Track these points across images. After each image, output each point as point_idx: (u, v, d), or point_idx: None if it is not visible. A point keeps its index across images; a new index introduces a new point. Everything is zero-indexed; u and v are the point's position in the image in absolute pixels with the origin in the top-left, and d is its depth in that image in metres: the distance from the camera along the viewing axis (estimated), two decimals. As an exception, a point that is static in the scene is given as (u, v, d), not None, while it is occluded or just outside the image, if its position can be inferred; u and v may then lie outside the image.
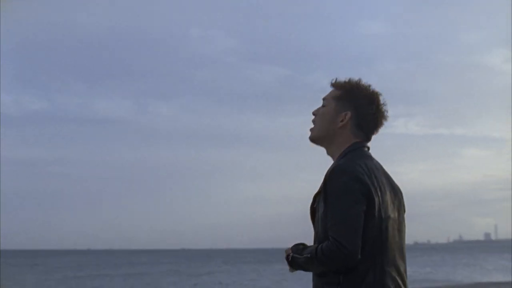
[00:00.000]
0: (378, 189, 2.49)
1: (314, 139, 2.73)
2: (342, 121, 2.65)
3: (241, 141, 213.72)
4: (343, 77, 2.72)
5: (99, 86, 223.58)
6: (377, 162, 2.64)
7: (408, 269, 2.66)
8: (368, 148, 2.67)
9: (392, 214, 2.54)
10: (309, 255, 2.45)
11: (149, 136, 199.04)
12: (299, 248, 2.55)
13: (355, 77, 2.72)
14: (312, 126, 2.74)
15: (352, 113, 2.65)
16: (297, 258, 2.52)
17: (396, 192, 2.62)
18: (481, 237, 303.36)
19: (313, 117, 2.76)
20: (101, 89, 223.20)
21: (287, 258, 2.58)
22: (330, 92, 2.74)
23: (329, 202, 2.43)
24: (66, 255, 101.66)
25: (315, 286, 2.54)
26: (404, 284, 2.54)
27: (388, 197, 2.54)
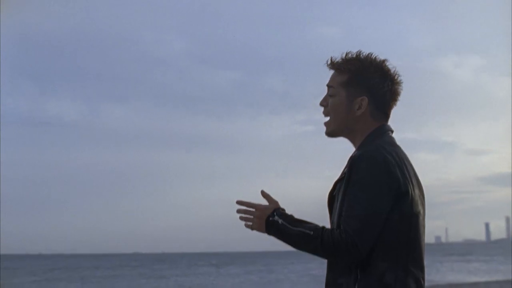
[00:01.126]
0: (409, 182, 2.30)
1: (332, 133, 2.50)
2: (359, 108, 2.41)
3: (194, 144, 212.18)
4: (337, 54, 2.45)
5: (51, 88, 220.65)
6: (403, 150, 2.43)
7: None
8: (392, 132, 2.47)
9: (421, 209, 2.35)
10: (311, 233, 2.25)
11: (101, 139, 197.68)
12: (288, 216, 2.34)
13: (351, 51, 2.46)
14: (326, 119, 2.50)
15: (368, 97, 2.41)
16: (287, 227, 2.30)
17: (420, 185, 2.42)
18: (432, 240, 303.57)
19: (322, 109, 2.52)
20: (53, 91, 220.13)
21: (267, 219, 2.34)
22: (334, 77, 2.48)
23: (350, 191, 2.25)
24: (17, 260, 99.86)
25: (330, 279, 2.36)
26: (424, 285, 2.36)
27: (417, 190, 2.35)
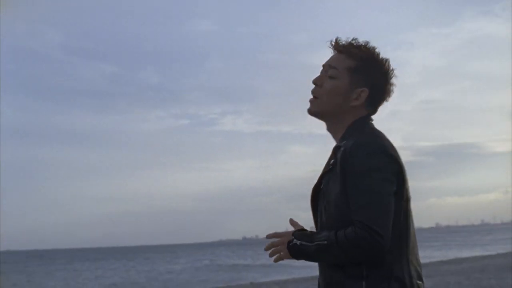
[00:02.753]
0: (404, 167, 2.18)
1: (318, 114, 2.33)
2: (356, 99, 2.27)
3: (72, 139, 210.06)
4: (344, 37, 2.30)
5: None
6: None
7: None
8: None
9: (411, 195, 2.22)
10: (325, 242, 2.09)
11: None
12: (306, 234, 2.19)
13: (357, 38, 2.31)
14: (311, 96, 2.33)
15: (369, 89, 2.28)
16: (306, 246, 2.15)
17: None
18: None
19: (313, 86, 2.34)
20: None
21: (288, 244, 2.20)
22: (341, 60, 2.30)
23: (353, 181, 2.09)
24: None
25: (332, 280, 2.17)
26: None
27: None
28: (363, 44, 2.30)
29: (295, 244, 2.19)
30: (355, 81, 2.28)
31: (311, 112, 2.34)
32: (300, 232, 2.22)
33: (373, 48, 2.30)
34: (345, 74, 2.29)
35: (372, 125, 2.30)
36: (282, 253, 2.24)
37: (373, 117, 2.33)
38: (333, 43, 2.33)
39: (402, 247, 2.14)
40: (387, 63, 2.30)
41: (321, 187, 2.25)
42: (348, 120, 2.29)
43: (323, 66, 2.36)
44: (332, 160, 2.22)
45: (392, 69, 2.30)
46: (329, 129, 2.36)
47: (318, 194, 2.27)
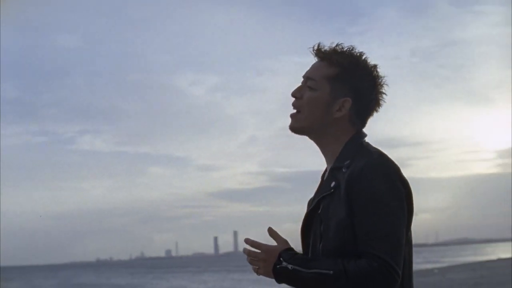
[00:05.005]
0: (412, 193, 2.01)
1: (300, 130, 2.11)
2: (339, 110, 2.05)
3: None
4: (326, 43, 2.07)
5: None
6: None
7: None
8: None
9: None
10: (330, 272, 1.84)
11: None
12: (299, 257, 1.95)
13: (343, 43, 2.09)
14: (293, 111, 2.11)
15: (352, 99, 2.05)
16: (300, 272, 1.89)
17: None
18: (162, 254, 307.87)
19: (292, 99, 2.12)
20: None
21: (274, 267, 1.94)
22: (319, 69, 2.09)
23: (366, 207, 1.88)
24: None
25: None
26: None
27: None
28: (347, 49, 2.08)
29: (283, 268, 1.93)
30: (336, 90, 2.05)
31: (294, 128, 2.11)
32: (290, 252, 1.96)
33: (359, 54, 2.07)
34: (324, 84, 2.07)
35: (368, 144, 2.07)
36: (260, 269, 2.01)
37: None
38: (315, 50, 2.11)
39: (409, 277, 1.99)
40: (375, 70, 2.07)
41: (319, 211, 2.01)
42: (335, 135, 2.07)
43: (303, 77, 2.13)
44: (333, 183, 1.98)
45: (381, 77, 2.08)
46: (319, 147, 2.12)
47: (313, 219, 2.03)
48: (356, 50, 2.09)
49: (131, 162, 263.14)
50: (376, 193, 1.89)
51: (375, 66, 2.09)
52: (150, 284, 49.61)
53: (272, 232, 2.06)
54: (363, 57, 2.08)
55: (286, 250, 1.98)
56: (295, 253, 1.99)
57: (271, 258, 1.97)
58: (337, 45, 2.09)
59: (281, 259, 1.95)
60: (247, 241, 2.03)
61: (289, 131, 2.14)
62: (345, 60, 2.06)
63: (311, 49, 2.12)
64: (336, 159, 2.04)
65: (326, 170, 2.12)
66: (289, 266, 1.93)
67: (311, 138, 2.13)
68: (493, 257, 49.21)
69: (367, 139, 2.10)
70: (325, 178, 2.09)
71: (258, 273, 2.04)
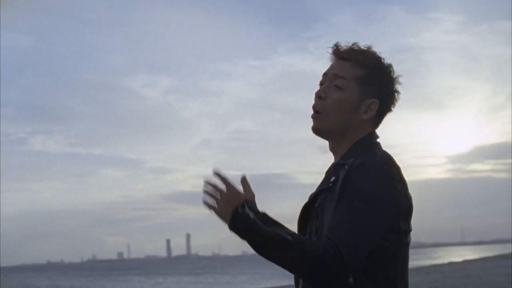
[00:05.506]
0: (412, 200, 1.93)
1: (324, 133, 2.02)
2: (366, 111, 1.98)
3: None
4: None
5: None
6: None
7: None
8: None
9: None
10: (289, 238, 1.74)
11: None
12: (261, 213, 1.80)
13: (358, 42, 2.01)
14: (314, 112, 2.00)
15: (379, 100, 1.99)
16: (257, 224, 1.75)
17: None
18: (114, 256, 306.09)
19: (317, 99, 2.01)
20: None
21: (235, 209, 1.77)
22: (347, 68, 1.99)
23: (347, 201, 1.80)
24: None
25: None
26: None
27: None
28: (368, 49, 2.00)
29: (245, 214, 1.76)
30: (365, 91, 1.97)
31: (317, 130, 2.01)
32: (256, 206, 1.81)
33: (379, 53, 2.01)
34: (354, 84, 1.97)
35: (379, 144, 1.99)
36: (219, 208, 1.83)
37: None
38: (335, 49, 2.02)
39: (396, 282, 1.89)
40: (392, 69, 2.02)
41: (316, 205, 1.95)
42: (354, 136, 1.98)
43: (325, 75, 2.03)
44: (333, 178, 1.92)
45: (398, 76, 2.03)
46: (332, 144, 2.04)
47: (310, 213, 1.97)
48: (373, 49, 2.03)
49: (83, 163, 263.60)
50: (364, 190, 1.82)
51: (391, 65, 2.03)
52: (105, 287, 50.08)
53: (244, 182, 1.87)
54: (382, 56, 2.03)
55: (252, 201, 1.83)
56: (262, 213, 1.82)
57: (235, 201, 1.80)
58: (353, 44, 2.03)
59: (246, 205, 1.79)
60: (218, 173, 1.85)
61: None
62: (371, 60, 2.00)
63: (330, 49, 2.04)
64: (342, 156, 1.99)
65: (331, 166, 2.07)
66: (251, 215, 1.77)
67: (330, 140, 2.04)
68: (445, 260, 49.71)
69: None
70: (328, 173, 2.05)
71: (211, 209, 1.86)
